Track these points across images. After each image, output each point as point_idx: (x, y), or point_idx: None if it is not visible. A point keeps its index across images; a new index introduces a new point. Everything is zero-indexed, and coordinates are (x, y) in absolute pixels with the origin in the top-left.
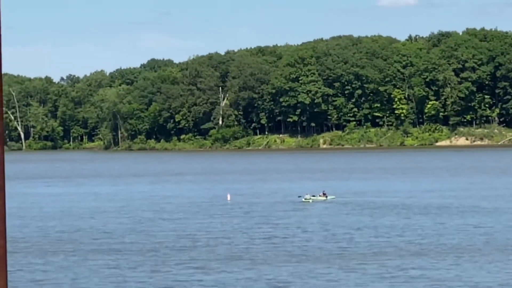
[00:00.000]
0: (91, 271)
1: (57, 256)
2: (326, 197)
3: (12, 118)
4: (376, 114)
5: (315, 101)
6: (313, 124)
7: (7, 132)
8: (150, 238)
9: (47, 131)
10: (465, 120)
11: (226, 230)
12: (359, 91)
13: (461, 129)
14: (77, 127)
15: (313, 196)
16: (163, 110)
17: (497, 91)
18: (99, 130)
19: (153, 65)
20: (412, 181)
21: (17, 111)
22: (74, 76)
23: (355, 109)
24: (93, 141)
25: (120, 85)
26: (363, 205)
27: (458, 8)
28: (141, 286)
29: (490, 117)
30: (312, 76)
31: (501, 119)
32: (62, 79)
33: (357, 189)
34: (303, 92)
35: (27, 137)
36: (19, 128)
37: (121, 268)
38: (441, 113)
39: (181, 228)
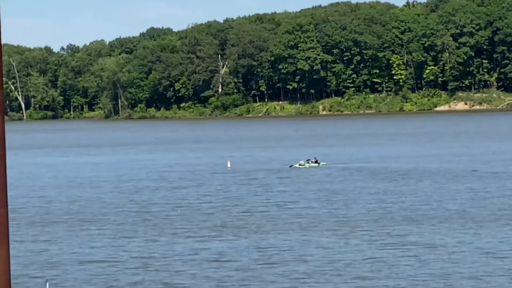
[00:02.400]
0: (89, 240)
1: (56, 225)
2: (318, 163)
3: (13, 88)
4: (375, 80)
5: (314, 68)
6: (312, 91)
7: (7, 102)
8: (149, 207)
9: (48, 101)
10: (463, 85)
11: (225, 197)
12: (358, 57)
13: (460, 94)
14: (78, 96)
15: (307, 161)
16: (163, 78)
17: (495, 55)
18: (99, 100)
19: (152, 34)
20: (410, 146)
21: (18, 81)
22: (74, 45)
23: (354, 75)
24: (93, 110)
25: (119, 54)
26: (355, 170)
27: None
28: (138, 255)
29: (488, 82)
30: (311, 43)
31: (499, 84)
32: (62, 49)
33: (352, 155)
34: (302, 59)
35: (27, 107)
36: (19, 98)
37: (118, 237)
38: (439, 79)
39: (181, 196)
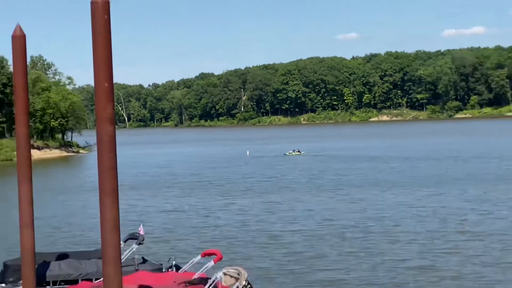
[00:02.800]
0: (164, 198)
1: (145, 190)
2: (300, 152)
3: (120, 109)
4: (334, 103)
5: (298, 96)
6: (297, 109)
7: (117, 117)
8: (199, 178)
9: (141, 116)
10: (386, 105)
11: (244, 173)
12: (324, 89)
13: (384, 111)
14: (158, 113)
15: (293, 151)
16: (208, 102)
17: (404, 87)
18: (171, 115)
19: (202, 76)
20: (357, 141)
21: (123, 105)
22: (156, 83)
23: (322, 100)
24: (168, 121)
25: (183, 89)
26: (329, 156)
27: (379, 41)
28: (194, 207)
29: (401, 103)
30: (296, 81)
31: (407, 104)
32: (149, 85)
33: (322, 147)
34: (290, 90)
35: (129, 120)
36: (124, 115)
37: (182, 196)
38: (372, 102)
39: (220, 171)
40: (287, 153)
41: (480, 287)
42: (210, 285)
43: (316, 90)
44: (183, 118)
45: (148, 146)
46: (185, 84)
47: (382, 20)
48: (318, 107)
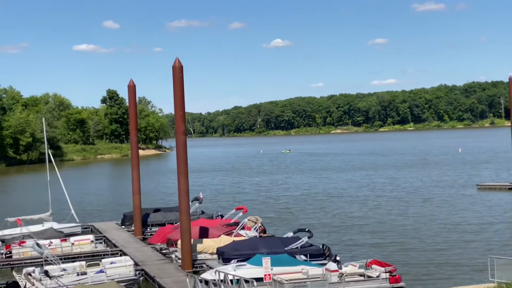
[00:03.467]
0: (212, 178)
1: (199, 172)
2: (290, 150)
3: (188, 126)
4: (310, 122)
5: (289, 118)
6: (289, 126)
7: (186, 131)
8: (232, 165)
9: (200, 131)
10: (340, 124)
11: (259, 162)
12: (304, 115)
13: (339, 127)
14: (210, 129)
15: (286, 150)
16: (239, 123)
17: (350, 113)
18: (218, 130)
19: (235, 107)
20: (324, 144)
21: (190, 124)
22: (209, 112)
23: (302, 121)
24: (216, 134)
25: (224, 115)
26: (307, 153)
27: (336, 87)
28: (228, 182)
29: (348, 123)
30: (288, 110)
31: (352, 123)
32: (205, 113)
33: (303, 147)
34: (285, 115)
35: (193, 132)
36: (191, 129)
37: (222, 176)
38: (331, 121)
39: (244, 161)
40: (283, 151)
41: None
42: (240, 226)
43: (300, 115)
44: (224, 132)
45: (205, 147)
46: (225, 112)
47: (337, 75)
48: (300, 125)
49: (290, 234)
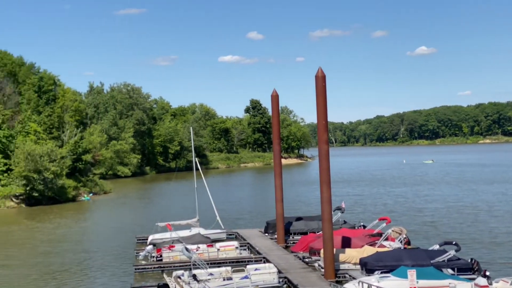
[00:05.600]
0: (353, 188)
1: (341, 183)
2: (433, 161)
3: (330, 136)
4: (456, 132)
5: (434, 128)
6: (433, 136)
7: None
8: (374, 175)
9: (342, 140)
10: (488, 133)
11: (401, 172)
12: (450, 124)
13: (487, 137)
14: (352, 138)
15: (429, 160)
16: (381, 132)
17: (500, 123)
18: (359, 139)
19: (377, 117)
20: (471, 154)
21: (332, 133)
22: (350, 121)
23: (448, 130)
24: (358, 143)
25: (366, 124)
26: (452, 163)
27: (484, 95)
28: (369, 192)
29: (497, 132)
30: (432, 119)
31: (501, 133)
32: (346, 122)
33: (449, 158)
34: (430, 125)
35: (335, 142)
36: (332, 139)
37: (363, 186)
38: (479, 131)
39: (386, 171)
40: (425, 161)
41: None
42: (384, 237)
43: (445, 124)
44: (366, 141)
45: (346, 157)
46: (367, 121)
47: (485, 83)
48: (446, 135)
49: (436, 247)
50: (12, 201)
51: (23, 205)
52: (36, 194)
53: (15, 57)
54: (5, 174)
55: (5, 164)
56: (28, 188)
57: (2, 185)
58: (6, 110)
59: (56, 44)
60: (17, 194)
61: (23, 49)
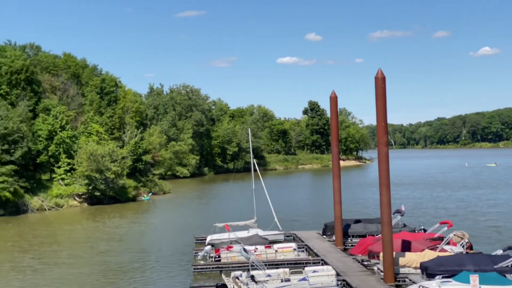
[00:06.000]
0: (412, 191)
1: (400, 185)
2: (496, 164)
3: (389, 138)
4: None
5: (497, 130)
6: (497, 138)
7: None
8: (435, 178)
9: (401, 142)
10: None
11: (464, 176)
12: None
13: None
14: (412, 140)
15: (492, 163)
16: (442, 134)
17: None
18: (420, 142)
19: (438, 119)
20: None
21: (391, 135)
22: (410, 123)
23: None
24: (418, 145)
25: (426, 126)
26: None
27: None
28: (430, 196)
29: None
30: (495, 122)
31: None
32: (406, 124)
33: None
34: (493, 127)
35: (394, 144)
36: (392, 141)
37: (423, 188)
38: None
39: (448, 175)
40: (488, 165)
41: None
42: (445, 242)
43: (509, 126)
44: (427, 143)
45: (405, 159)
46: (428, 123)
47: None
48: (510, 137)
49: (500, 252)
50: (75, 200)
51: (85, 204)
52: (98, 194)
53: (78, 59)
54: (69, 174)
55: (69, 164)
56: (90, 188)
57: (66, 184)
58: (69, 111)
59: (118, 47)
60: (79, 193)
61: (86, 51)
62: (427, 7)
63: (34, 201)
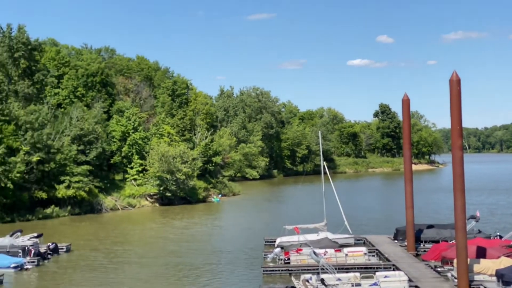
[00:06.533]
0: (486, 197)
1: (474, 190)
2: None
3: (464, 142)
4: None
5: None
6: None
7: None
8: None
9: (475, 146)
10: None
11: None
12: None
13: None
14: (487, 144)
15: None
16: None
17: None
18: (495, 146)
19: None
20: None
21: (465, 139)
22: (486, 126)
23: None
24: (493, 149)
25: (503, 130)
26: None
27: None
28: (503, 202)
29: None
30: None
31: None
32: (481, 127)
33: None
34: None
35: (468, 148)
36: (466, 145)
37: (498, 194)
38: None
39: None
40: None
41: None
42: None
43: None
44: (503, 147)
45: (480, 164)
46: (504, 127)
47: None
48: None
49: None
50: (147, 200)
51: (157, 204)
52: (169, 194)
53: (151, 62)
54: (141, 174)
55: (141, 164)
56: (161, 188)
57: (138, 185)
58: (142, 112)
59: (190, 49)
60: (151, 193)
61: (158, 54)
62: (503, 7)
63: (108, 200)
